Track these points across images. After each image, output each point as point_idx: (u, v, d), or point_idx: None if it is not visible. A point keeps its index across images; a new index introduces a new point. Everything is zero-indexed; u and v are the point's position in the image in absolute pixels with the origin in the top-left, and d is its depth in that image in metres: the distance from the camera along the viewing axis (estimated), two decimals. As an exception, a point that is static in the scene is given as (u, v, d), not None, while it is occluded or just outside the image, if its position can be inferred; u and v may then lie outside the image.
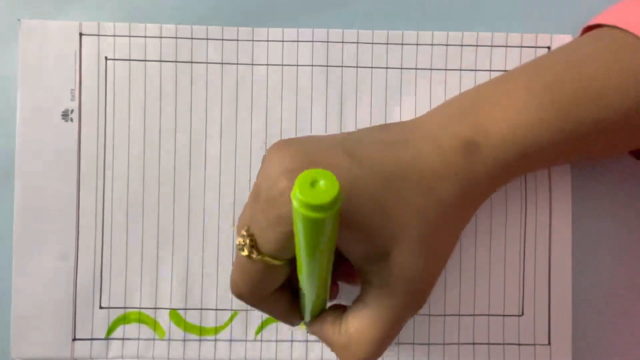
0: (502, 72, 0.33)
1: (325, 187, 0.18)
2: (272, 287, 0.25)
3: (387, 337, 0.25)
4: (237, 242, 0.24)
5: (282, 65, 0.33)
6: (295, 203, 0.19)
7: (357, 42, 0.33)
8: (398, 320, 0.25)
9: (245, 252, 0.24)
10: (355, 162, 0.24)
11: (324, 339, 0.27)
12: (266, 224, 0.23)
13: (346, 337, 0.26)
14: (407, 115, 0.33)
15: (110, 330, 0.32)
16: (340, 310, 0.27)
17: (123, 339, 0.32)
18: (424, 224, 0.25)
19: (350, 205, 0.23)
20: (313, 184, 0.19)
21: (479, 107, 0.27)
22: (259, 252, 0.24)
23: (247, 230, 0.24)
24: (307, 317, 0.28)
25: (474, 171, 0.25)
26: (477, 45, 0.33)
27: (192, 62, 0.33)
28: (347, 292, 0.30)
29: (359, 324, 0.25)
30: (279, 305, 0.27)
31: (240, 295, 0.26)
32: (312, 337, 0.33)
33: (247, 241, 0.24)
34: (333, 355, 0.33)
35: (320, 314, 0.28)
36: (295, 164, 0.23)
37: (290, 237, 0.23)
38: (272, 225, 0.23)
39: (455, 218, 0.26)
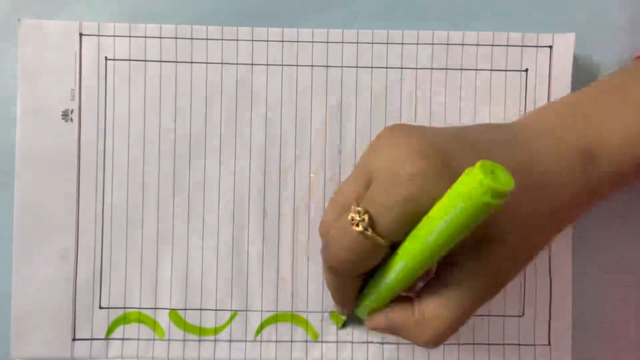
0: (502, 72, 0.33)
1: (504, 177, 0.20)
2: (369, 266, 0.26)
3: (464, 318, 0.26)
4: (350, 217, 0.24)
5: (282, 65, 0.33)
6: (474, 187, 0.20)
7: (357, 42, 0.33)
8: (477, 304, 0.26)
9: (360, 228, 0.24)
10: (480, 157, 0.24)
11: (392, 323, 0.28)
12: (387, 204, 0.24)
13: (420, 316, 0.26)
14: (407, 115, 0.33)
15: (110, 330, 0.32)
16: (405, 298, 0.28)
17: (123, 339, 0.32)
18: (535, 221, 0.25)
19: None
20: (493, 172, 0.20)
21: (589, 116, 0.27)
22: (374, 230, 0.24)
23: (360, 207, 0.25)
24: (364, 312, 0.29)
25: (590, 180, 0.26)
26: (478, 45, 0.33)
27: (192, 62, 0.33)
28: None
29: (436, 303, 0.26)
30: (356, 287, 0.28)
31: (336, 268, 0.26)
32: (310, 338, 0.33)
33: (366, 218, 0.24)
34: (333, 355, 0.33)
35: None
36: (422, 147, 0.24)
37: (411, 219, 0.23)
38: (395, 206, 0.24)
39: (561, 220, 0.27)
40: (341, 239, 0.25)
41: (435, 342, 0.26)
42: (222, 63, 0.33)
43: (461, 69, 0.33)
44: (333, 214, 0.27)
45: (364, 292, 0.28)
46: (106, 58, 0.32)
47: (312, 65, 0.33)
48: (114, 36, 0.32)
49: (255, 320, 0.33)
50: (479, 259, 0.25)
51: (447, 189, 0.22)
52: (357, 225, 0.24)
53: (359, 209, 0.24)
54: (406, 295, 0.28)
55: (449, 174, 0.23)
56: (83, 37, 0.32)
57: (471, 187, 0.20)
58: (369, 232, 0.24)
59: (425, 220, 0.23)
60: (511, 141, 0.26)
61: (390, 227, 0.24)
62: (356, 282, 0.27)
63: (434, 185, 0.23)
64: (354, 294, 0.28)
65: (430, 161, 0.24)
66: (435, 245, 0.23)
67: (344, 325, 0.33)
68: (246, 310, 0.33)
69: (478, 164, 0.20)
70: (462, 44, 0.33)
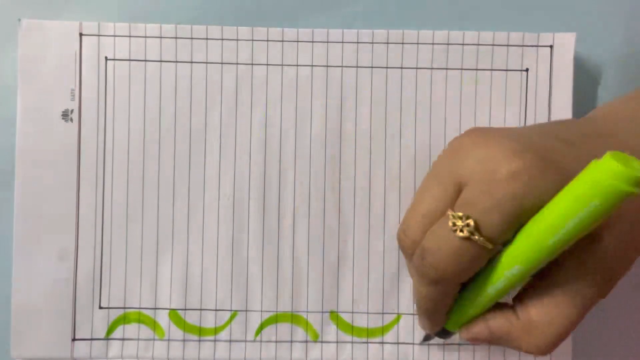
0: (502, 71, 0.33)
1: (638, 165, 0.20)
2: (473, 273, 0.25)
3: (575, 322, 0.25)
4: (452, 224, 0.24)
5: (282, 65, 0.33)
6: (612, 177, 0.20)
7: (357, 42, 0.33)
8: (588, 305, 0.25)
9: (465, 234, 0.23)
10: (575, 148, 0.24)
11: (495, 332, 0.26)
12: (491, 206, 0.23)
13: (527, 322, 0.25)
14: (408, 115, 0.33)
15: (110, 330, 0.32)
16: (502, 305, 0.27)
17: (123, 339, 0.33)
18: (636, 212, 0.24)
19: None
20: (625, 161, 0.20)
21: None
22: (481, 234, 0.23)
23: (459, 212, 0.24)
24: (456, 323, 0.28)
25: None
26: (478, 45, 0.33)
27: (192, 62, 0.33)
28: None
29: (544, 309, 0.25)
30: (453, 298, 0.27)
31: (438, 279, 0.25)
32: (310, 338, 0.33)
33: (471, 222, 0.23)
34: (333, 355, 0.32)
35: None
36: (516, 145, 0.23)
37: (518, 218, 0.23)
38: (500, 206, 0.23)
39: None
40: (442, 248, 0.24)
41: (548, 349, 0.25)
42: (222, 63, 0.33)
43: (461, 69, 0.33)
44: (418, 225, 0.26)
45: (457, 303, 0.27)
46: (106, 58, 0.32)
47: (312, 65, 0.33)
48: (114, 36, 0.32)
49: (255, 320, 0.33)
50: (584, 256, 0.24)
51: (555, 184, 0.22)
52: (461, 231, 0.23)
53: (459, 214, 0.24)
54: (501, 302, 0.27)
55: (554, 169, 0.23)
56: (83, 37, 0.32)
57: (608, 177, 0.20)
58: (476, 237, 0.23)
59: (544, 219, 0.22)
60: (599, 134, 0.26)
61: (497, 229, 0.23)
62: (455, 292, 0.26)
63: (541, 182, 0.22)
64: (449, 306, 0.27)
65: (530, 158, 0.23)
66: (561, 244, 0.22)
67: (426, 338, 0.32)
68: (246, 310, 0.33)
69: (607, 154, 0.20)
70: (463, 44, 0.33)
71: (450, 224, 0.24)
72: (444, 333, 0.29)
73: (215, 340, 0.33)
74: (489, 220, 0.23)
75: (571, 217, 0.21)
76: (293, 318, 0.33)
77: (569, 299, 0.25)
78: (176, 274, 0.33)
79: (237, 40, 0.32)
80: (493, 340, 0.27)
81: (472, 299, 0.26)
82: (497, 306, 0.27)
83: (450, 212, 0.24)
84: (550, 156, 0.23)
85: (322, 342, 0.33)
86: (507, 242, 0.24)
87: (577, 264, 0.24)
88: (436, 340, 0.32)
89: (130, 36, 0.32)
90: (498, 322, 0.26)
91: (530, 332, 0.25)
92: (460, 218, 0.24)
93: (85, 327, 0.32)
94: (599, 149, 0.24)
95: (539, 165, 0.23)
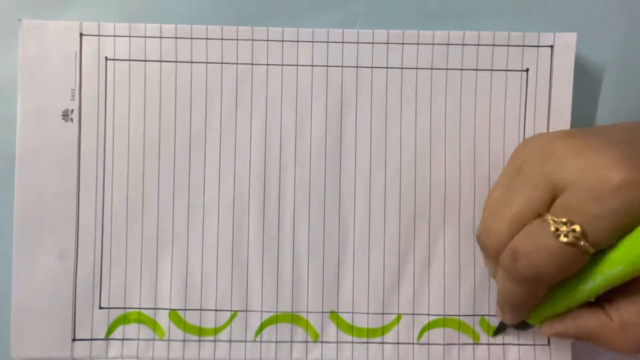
0: (502, 71, 0.33)
1: None
2: (569, 275, 0.26)
3: None
4: (554, 229, 0.24)
5: (282, 65, 0.33)
6: None
7: (357, 42, 0.33)
8: None
9: (570, 239, 0.24)
10: None
11: (584, 330, 0.27)
12: (600, 213, 0.23)
13: (621, 323, 0.26)
14: (408, 115, 0.33)
15: (110, 330, 0.32)
16: (588, 304, 0.27)
17: (123, 339, 0.33)
18: None
19: None
20: None
21: None
22: (587, 240, 0.24)
23: (562, 218, 0.24)
24: (538, 317, 0.28)
25: None
26: (478, 45, 0.33)
27: (191, 62, 0.33)
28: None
29: (637, 309, 0.25)
30: (543, 295, 0.27)
31: (535, 280, 0.26)
32: (310, 339, 0.33)
33: (577, 229, 0.24)
34: (333, 355, 0.32)
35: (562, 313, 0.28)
36: (623, 155, 0.24)
37: (625, 227, 0.23)
38: (610, 215, 0.23)
39: None
40: (540, 251, 0.25)
41: None
42: (222, 63, 0.33)
43: (462, 69, 0.33)
44: (506, 226, 0.26)
45: (544, 298, 0.28)
46: (106, 58, 0.32)
47: (312, 65, 0.33)
48: (114, 36, 0.32)
49: (255, 321, 0.33)
50: None
51: None
52: (566, 236, 0.24)
53: (563, 219, 0.24)
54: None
55: None
56: (83, 37, 0.32)
57: None
58: (582, 243, 0.24)
59: None
60: None
61: (603, 236, 0.24)
62: (545, 292, 0.27)
63: None
64: (537, 302, 0.28)
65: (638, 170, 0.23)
66: None
67: (498, 331, 0.32)
68: (246, 311, 0.33)
69: None
70: (463, 44, 0.33)
71: (553, 228, 0.24)
72: (523, 326, 0.30)
73: (215, 341, 0.33)
74: (596, 227, 0.24)
75: None
76: (293, 318, 0.33)
77: None
78: (176, 274, 0.33)
79: (237, 40, 0.32)
80: (580, 336, 0.28)
81: (562, 295, 0.27)
82: (584, 305, 0.27)
83: (550, 217, 0.24)
84: None
85: (322, 342, 0.33)
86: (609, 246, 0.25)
87: None
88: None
89: (130, 36, 0.32)
90: (588, 320, 0.27)
91: (625, 333, 0.26)
92: (565, 224, 0.24)
93: (85, 327, 0.32)
94: None
95: None
